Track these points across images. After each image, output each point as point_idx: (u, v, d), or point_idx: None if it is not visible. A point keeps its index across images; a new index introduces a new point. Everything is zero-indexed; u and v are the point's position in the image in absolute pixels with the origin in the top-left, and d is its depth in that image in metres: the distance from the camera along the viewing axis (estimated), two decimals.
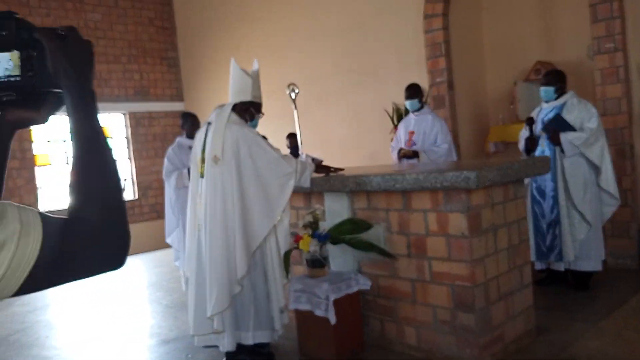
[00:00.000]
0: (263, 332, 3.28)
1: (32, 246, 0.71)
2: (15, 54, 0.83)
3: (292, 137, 6.35)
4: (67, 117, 0.83)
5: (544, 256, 4.38)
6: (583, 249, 4.29)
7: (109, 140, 0.85)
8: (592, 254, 4.31)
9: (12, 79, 0.83)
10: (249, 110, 3.29)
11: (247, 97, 3.26)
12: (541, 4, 5.98)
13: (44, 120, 0.92)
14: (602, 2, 4.82)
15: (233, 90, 3.33)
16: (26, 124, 0.92)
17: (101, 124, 0.85)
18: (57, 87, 0.85)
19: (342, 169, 3.64)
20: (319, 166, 3.49)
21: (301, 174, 3.26)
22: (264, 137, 6.21)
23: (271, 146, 3.24)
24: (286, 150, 6.38)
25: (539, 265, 4.51)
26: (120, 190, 0.83)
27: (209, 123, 3.34)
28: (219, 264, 3.14)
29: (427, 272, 3.24)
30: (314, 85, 7.05)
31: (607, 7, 4.80)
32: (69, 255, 0.75)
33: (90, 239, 0.76)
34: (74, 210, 0.78)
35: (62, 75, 0.82)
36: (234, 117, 3.23)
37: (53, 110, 0.91)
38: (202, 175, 3.29)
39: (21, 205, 0.74)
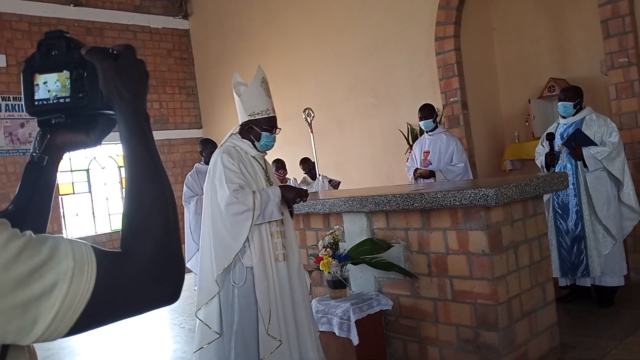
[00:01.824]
0: None
1: (85, 285, 0.66)
2: (64, 74, 0.79)
3: (306, 161, 6.43)
4: (121, 142, 0.78)
5: (569, 272, 4.34)
6: (607, 264, 4.25)
7: (165, 167, 0.79)
8: (617, 269, 4.26)
9: (61, 100, 0.79)
10: (250, 130, 2.98)
11: (243, 118, 3.00)
12: (552, 21, 6.04)
13: (94, 143, 0.88)
14: (613, 17, 4.86)
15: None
16: (76, 147, 0.88)
17: (157, 149, 0.80)
18: (109, 109, 0.81)
19: (305, 195, 3.05)
20: (285, 189, 2.95)
21: (264, 208, 2.81)
22: (280, 160, 5.82)
23: (237, 177, 2.83)
24: (301, 174, 6.45)
25: (562, 282, 4.46)
26: (176, 221, 0.77)
27: None
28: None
29: (448, 291, 3.23)
30: (330, 109, 7.15)
31: (619, 22, 4.83)
32: (123, 291, 0.70)
33: (144, 274, 0.71)
34: (127, 243, 0.73)
35: (116, 97, 0.78)
36: (228, 142, 3.00)
37: (104, 133, 0.88)
38: None
39: (74, 239, 0.71)
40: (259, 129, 2.95)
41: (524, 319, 3.21)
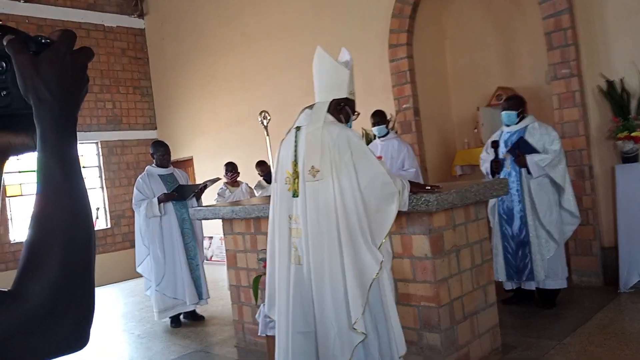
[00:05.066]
0: None
1: None
2: None
3: (262, 164, 6.41)
4: (36, 150, 0.66)
5: (514, 276, 4.48)
6: (550, 267, 4.40)
7: (86, 190, 0.65)
8: (559, 272, 4.43)
9: None
10: (344, 110, 2.66)
11: (342, 94, 2.65)
12: (501, 32, 6.24)
13: None
14: (556, 30, 5.05)
15: (325, 86, 2.70)
16: (19, 151, 0.74)
17: (79, 165, 0.66)
18: None
19: (438, 186, 3.02)
20: (413, 184, 2.77)
21: (402, 195, 2.55)
22: (231, 163, 5.61)
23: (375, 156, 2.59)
24: (257, 178, 6.44)
25: (508, 285, 4.60)
26: (88, 257, 0.64)
27: (298, 128, 2.74)
28: (330, 307, 2.48)
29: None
30: (286, 112, 7.13)
31: (562, 35, 5.03)
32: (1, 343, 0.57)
33: (30, 321, 0.58)
34: (16, 281, 0.60)
35: (33, 97, 0.64)
36: (330, 118, 2.61)
37: None
38: (295, 194, 2.62)
39: None
40: (351, 110, 2.71)
41: (466, 320, 3.31)
